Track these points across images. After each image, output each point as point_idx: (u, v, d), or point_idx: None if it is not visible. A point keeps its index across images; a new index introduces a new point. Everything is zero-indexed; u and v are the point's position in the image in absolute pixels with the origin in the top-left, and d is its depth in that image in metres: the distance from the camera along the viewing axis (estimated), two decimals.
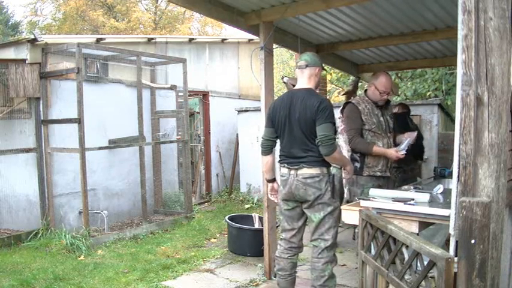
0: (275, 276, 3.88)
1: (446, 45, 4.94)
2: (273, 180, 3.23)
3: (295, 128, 2.94)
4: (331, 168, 4.43)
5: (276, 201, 3.28)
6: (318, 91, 3.13)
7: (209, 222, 6.07)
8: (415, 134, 3.83)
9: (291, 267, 3.09)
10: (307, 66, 3.02)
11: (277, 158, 3.12)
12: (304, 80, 3.03)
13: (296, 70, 3.13)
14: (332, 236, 2.92)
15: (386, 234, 2.13)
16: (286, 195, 3.00)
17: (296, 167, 2.92)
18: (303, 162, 2.91)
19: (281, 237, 3.14)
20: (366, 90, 3.84)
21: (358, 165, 3.62)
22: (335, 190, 2.95)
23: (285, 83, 4.01)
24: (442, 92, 7.80)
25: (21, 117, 5.21)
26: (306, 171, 2.90)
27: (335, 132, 2.92)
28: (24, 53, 5.11)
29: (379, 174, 3.60)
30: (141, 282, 3.81)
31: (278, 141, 3.13)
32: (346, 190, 5.14)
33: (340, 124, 4.21)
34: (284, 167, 3.01)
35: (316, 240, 2.94)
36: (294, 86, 3.87)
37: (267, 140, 3.11)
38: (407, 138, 3.69)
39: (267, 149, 3.13)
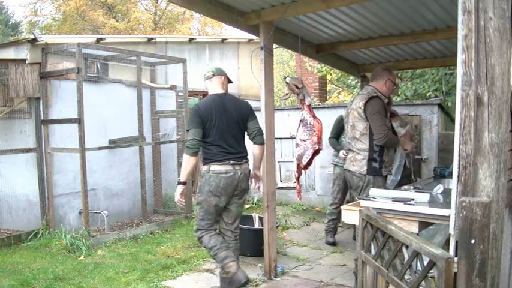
0: (275, 276, 3.91)
1: (446, 45, 4.93)
2: (186, 183, 3.37)
3: (234, 127, 3.33)
4: (334, 167, 4.56)
5: (184, 204, 3.49)
6: None
7: None
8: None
9: (221, 242, 3.33)
10: (213, 75, 3.44)
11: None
12: (217, 87, 3.44)
13: (205, 81, 3.49)
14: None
15: (387, 234, 2.13)
16: (230, 189, 3.27)
17: (239, 162, 3.32)
18: (244, 157, 3.37)
19: (207, 226, 3.33)
20: (366, 85, 3.83)
21: (376, 165, 3.52)
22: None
23: (287, 83, 4.01)
24: (442, 92, 7.79)
25: (21, 117, 5.21)
26: (247, 166, 3.40)
27: None
28: (24, 53, 5.11)
29: (389, 173, 3.64)
30: (141, 282, 3.81)
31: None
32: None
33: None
34: (229, 164, 3.25)
35: (235, 231, 3.45)
36: (296, 86, 3.91)
37: (199, 141, 3.24)
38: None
39: (198, 150, 3.27)
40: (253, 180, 3.56)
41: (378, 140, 3.46)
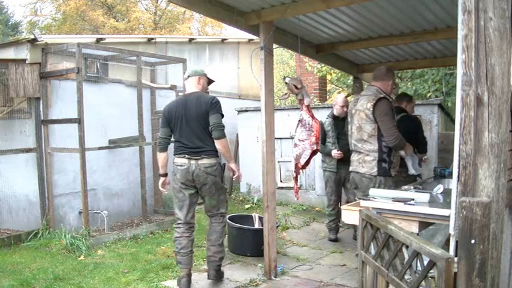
0: (275, 276, 3.91)
1: (446, 45, 4.93)
2: (166, 174, 3.80)
3: (193, 123, 3.53)
4: (326, 172, 4.89)
5: (166, 193, 3.97)
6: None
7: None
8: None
9: (191, 244, 3.68)
10: (189, 76, 3.72)
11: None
12: (192, 87, 3.70)
13: (184, 82, 3.88)
14: (225, 208, 3.77)
15: (387, 234, 2.13)
16: (187, 181, 3.56)
17: (197, 157, 3.51)
18: (202, 152, 3.51)
19: (179, 221, 3.67)
20: (369, 85, 3.83)
21: (386, 166, 3.52)
22: (223, 175, 3.70)
23: (286, 83, 4.01)
24: (442, 93, 7.78)
25: (21, 117, 5.21)
26: (206, 161, 3.52)
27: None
28: (24, 53, 5.11)
29: (397, 173, 3.65)
30: (141, 282, 3.81)
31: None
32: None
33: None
34: (184, 157, 3.54)
35: (216, 215, 3.72)
36: (295, 86, 3.92)
37: (164, 139, 3.70)
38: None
39: (165, 146, 3.72)
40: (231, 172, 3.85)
41: (389, 142, 3.45)
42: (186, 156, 3.53)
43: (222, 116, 3.58)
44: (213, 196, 3.63)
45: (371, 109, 3.49)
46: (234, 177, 3.83)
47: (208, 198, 3.65)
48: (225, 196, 3.78)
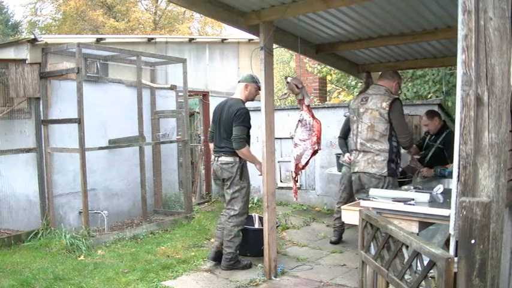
0: (275, 276, 3.92)
1: (446, 45, 4.93)
2: None
3: (221, 126, 4.07)
4: (342, 168, 5.04)
5: None
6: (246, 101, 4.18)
7: (209, 222, 6.06)
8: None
9: (218, 222, 4.32)
10: (239, 82, 4.21)
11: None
12: (237, 92, 4.20)
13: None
14: (239, 207, 4.07)
15: (387, 234, 2.13)
16: (213, 174, 4.22)
17: (217, 155, 4.11)
18: (221, 151, 4.07)
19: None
20: (376, 85, 3.85)
21: (394, 166, 3.55)
22: (243, 174, 4.06)
23: (288, 83, 4.01)
24: (443, 92, 7.76)
25: (21, 117, 5.21)
26: (223, 159, 4.05)
27: (248, 133, 3.99)
28: (24, 53, 5.11)
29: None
30: (141, 282, 3.81)
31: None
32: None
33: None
34: (213, 154, 4.21)
35: (228, 209, 4.12)
36: (297, 86, 3.91)
37: (211, 132, 4.32)
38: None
39: (211, 139, 4.31)
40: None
41: (405, 142, 3.50)
42: (213, 154, 4.19)
43: (247, 127, 3.95)
44: (228, 190, 4.08)
45: (387, 108, 3.51)
46: (258, 175, 4.16)
47: (225, 191, 4.12)
48: (241, 196, 4.06)
